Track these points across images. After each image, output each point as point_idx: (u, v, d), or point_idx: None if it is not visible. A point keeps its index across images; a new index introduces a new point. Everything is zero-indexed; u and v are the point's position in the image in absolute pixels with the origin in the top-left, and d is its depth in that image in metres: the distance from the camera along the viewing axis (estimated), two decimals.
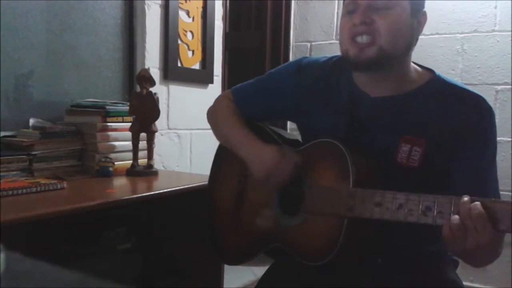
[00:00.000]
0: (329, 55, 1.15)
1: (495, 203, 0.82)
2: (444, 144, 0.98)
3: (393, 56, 0.97)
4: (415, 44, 1.03)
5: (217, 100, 1.28)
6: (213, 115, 1.27)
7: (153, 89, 1.61)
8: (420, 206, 0.86)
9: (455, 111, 0.98)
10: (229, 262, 1.32)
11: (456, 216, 0.82)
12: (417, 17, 1.00)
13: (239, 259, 1.19)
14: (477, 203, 0.81)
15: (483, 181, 0.99)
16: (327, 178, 1.00)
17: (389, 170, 0.99)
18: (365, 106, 1.04)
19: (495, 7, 2.39)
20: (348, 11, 0.99)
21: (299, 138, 1.21)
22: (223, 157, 1.23)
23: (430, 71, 1.06)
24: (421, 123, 0.99)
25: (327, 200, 0.97)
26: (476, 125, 0.98)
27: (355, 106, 1.05)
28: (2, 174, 1.29)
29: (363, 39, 0.96)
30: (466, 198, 0.82)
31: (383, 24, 0.94)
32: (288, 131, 2.80)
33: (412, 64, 1.05)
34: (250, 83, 1.24)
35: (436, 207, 0.85)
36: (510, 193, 2.28)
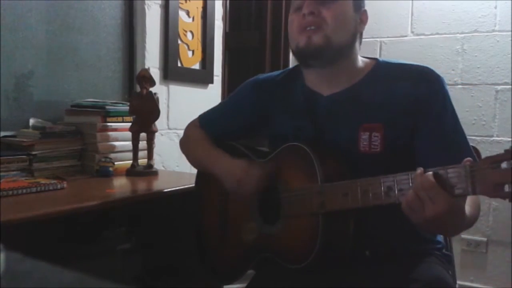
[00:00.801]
0: (280, 70, 1.25)
1: (447, 168, 0.82)
2: (401, 123, 1.01)
3: (339, 45, 1.03)
4: (360, 41, 1.09)
5: (186, 130, 1.38)
6: (185, 144, 1.37)
7: (153, 89, 1.61)
8: (382, 188, 0.88)
9: (404, 88, 1.02)
10: (225, 282, 1.34)
11: (411, 190, 0.84)
12: (359, 14, 1.08)
13: (233, 277, 1.21)
14: (429, 173, 0.83)
15: (452, 149, 1.00)
16: (298, 180, 1.04)
17: (355, 161, 1.02)
18: (320, 106, 1.09)
19: (495, 7, 2.39)
20: (296, 8, 1.06)
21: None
22: (202, 182, 1.31)
23: (375, 59, 1.12)
24: (375, 109, 1.03)
25: (300, 201, 1.01)
26: (426, 95, 1.01)
27: (312, 107, 1.10)
28: (2, 174, 1.29)
29: (311, 28, 1.03)
30: (419, 171, 0.84)
31: (329, 14, 1.02)
32: None
33: (359, 57, 1.11)
34: (215, 108, 1.35)
35: (396, 185, 0.87)
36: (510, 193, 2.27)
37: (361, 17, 1.08)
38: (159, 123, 1.67)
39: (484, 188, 0.78)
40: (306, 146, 1.01)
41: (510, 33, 2.36)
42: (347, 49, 1.06)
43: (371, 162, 1.02)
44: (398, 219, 0.90)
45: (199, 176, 1.33)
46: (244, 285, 1.15)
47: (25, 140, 1.41)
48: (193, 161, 1.33)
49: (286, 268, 1.03)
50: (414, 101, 1.01)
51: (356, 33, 1.07)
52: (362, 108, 1.05)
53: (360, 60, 1.10)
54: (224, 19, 2.41)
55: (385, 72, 1.07)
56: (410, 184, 0.85)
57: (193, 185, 1.45)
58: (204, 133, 1.30)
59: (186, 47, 2.13)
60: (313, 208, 0.97)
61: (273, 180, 1.09)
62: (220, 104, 1.36)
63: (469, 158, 0.82)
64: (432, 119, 1.01)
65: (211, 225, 1.24)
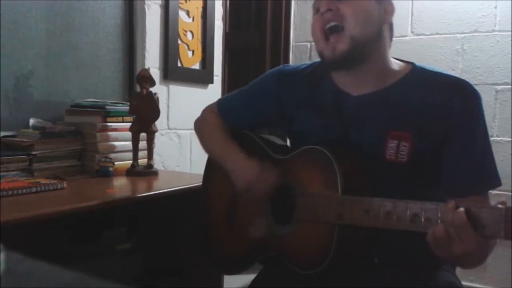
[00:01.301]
0: (307, 62, 1.18)
1: (481, 208, 0.79)
2: (431, 134, 0.97)
3: (365, 43, 0.97)
4: (388, 36, 1.03)
5: (203, 113, 1.31)
6: (200, 128, 1.30)
7: (153, 89, 1.61)
8: (408, 213, 0.85)
9: (438, 99, 0.97)
10: (227, 272, 1.31)
11: (440, 225, 0.81)
12: (384, 4, 1.01)
13: (236, 269, 1.19)
14: (461, 210, 0.79)
15: (479, 174, 0.97)
16: (316, 185, 1.00)
17: (379, 168, 0.99)
18: (349, 106, 1.04)
19: (495, 7, 2.39)
20: (316, 10, 1.02)
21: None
22: (214, 167, 1.24)
23: (411, 63, 1.06)
24: (405, 116, 0.99)
25: (317, 207, 0.97)
26: (461, 111, 0.96)
27: (339, 106, 1.05)
28: (2, 174, 1.29)
29: (331, 25, 0.98)
30: (450, 205, 0.81)
31: (348, 10, 0.96)
32: None
33: (392, 59, 1.05)
34: (234, 94, 1.27)
35: (423, 213, 0.83)
36: (510, 193, 2.28)
37: (386, 7, 1.01)
38: (159, 123, 1.67)
39: None
40: (329, 152, 0.97)
41: (510, 33, 2.36)
42: (374, 44, 0.99)
43: (395, 170, 0.99)
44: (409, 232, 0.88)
45: (210, 165, 1.27)
46: (248, 281, 1.15)
47: (25, 140, 1.41)
48: (205, 147, 1.27)
49: (293, 271, 1.01)
50: (447, 115, 0.96)
51: (381, 25, 1.00)
52: (393, 114, 1.00)
53: (394, 62, 1.05)
54: (224, 19, 2.41)
55: (420, 79, 1.01)
56: (439, 215, 0.82)
57: (193, 185, 1.46)
58: (221, 120, 1.24)
59: (186, 47, 2.13)
60: (330, 218, 0.94)
61: (289, 180, 1.06)
62: (240, 91, 1.26)
63: (503, 200, 0.78)
64: (462, 137, 0.96)
65: (219, 215, 1.20)
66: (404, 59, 1.09)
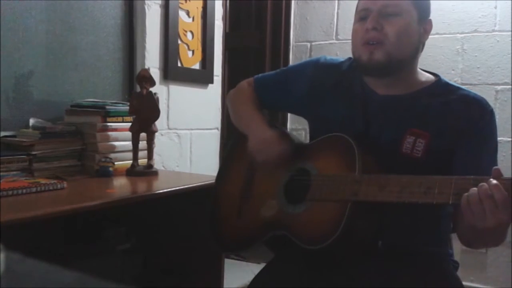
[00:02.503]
0: (345, 57, 1.23)
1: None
2: (446, 138, 1.04)
3: (401, 60, 1.04)
4: (421, 51, 1.10)
5: (240, 85, 1.36)
6: (232, 99, 1.35)
7: (153, 89, 1.61)
8: (421, 187, 0.89)
9: (458, 109, 1.04)
10: (227, 249, 1.33)
11: (476, 193, 0.84)
12: (423, 24, 1.07)
13: (237, 246, 1.21)
14: (500, 182, 0.83)
15: (485, 169, 1.00)
16: (334, 167, 1.05)
17: (394, 160, 1.04)
18: (374, 102, 1.11)
19: (495, 7, 2.39)
20: (361, 18, 1.08)
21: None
22: (235, 151, 1.30)
23: (436, 75, 1.13)
24: (425, 119, 1.06)
25: (332, 186, 1.01)
26: (477, 121, 1.03)
27: (365, 101, 1.12)
28: (2, 174, 1.29)
29: (373, 43, 1.04)
30: (492, 178, 0.84)
31: (391, 30, 1.03)
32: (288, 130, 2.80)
33: (419, 69, 1.12)
34: (272, 73, 1.34)
35: (437, 186, 0.88)
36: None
37: (425, 27, 1.08)
38: (159, 123, 1.67)
39: None
40: (351, 139, 1.02)
41: (510, 33, 2.36)
42: (408, 62, 1.07)
43: (409, 164, 1.03)
44: (420, 219, 0.90)
45: (233, 145, 1.33)
46: (248, 281, 1.15)
47: (25, 140, 1.41)
48: (233, 115, 1.33)
49: (299, 248, 1.02)
50: (464, 123, 1.03)
51: (419, 45, 1.08)
52: (414, 115, 1.07)
53: (421, 73, 1.12)
54: (224, 19, 2.41)
55: (443, 91, 1.08)
56: (453, 188, 0.86)
57: (193, 185, 1.46)
58: (254, 94, 1.30)
59: (186, 47, 2.13)
60: (345, 195, 0.98)
61: (308, 164, 1.10)
62: (279, 71, 1.34)
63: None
64: (475, 145, 1.04)
65: (232, 192, 1.23)
66: None
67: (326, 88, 1.18)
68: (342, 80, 1.17)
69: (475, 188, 0.84)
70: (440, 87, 1.09)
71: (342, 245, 0.96)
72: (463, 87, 1.11)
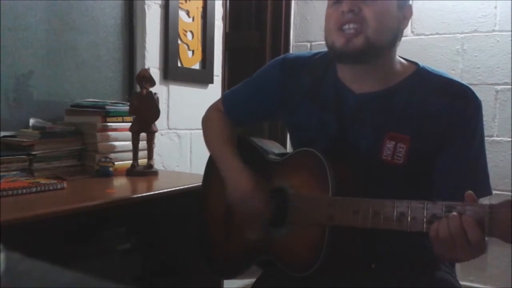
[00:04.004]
0: (313, 51, 1.15)
1: (465, 205, 0.79)
2: (429, 138, 0.97)
3: (379, 47, 0.96)
4: (400, 38, 1.02)
5: (207, 112, 1.29)
6: (203, 127, 1.29)
7: (153, 89, 1.61)
8: (395, 213, 0.84)
9: (440, 102, 0.97)
10: (222, 276, 1.31)
11: (445, 226, 0.79)
12: (403, 10, 1.00)
13: (231, 273, 1.18)
14: (469, 216, 0.77)
15: (470, 174, 0.98)
16: (308, 187, 1.00)
17: (374, 168, 0.99)
18: (349, 103, 1.04)
19: (495, 7, 2.39)
20: (335, 1, 0.98)
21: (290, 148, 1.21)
22: (213, 167, 1.24)
23: (415, 63, 1.05)
24: (405, 119, 0.99)
25: (308, 209, 0.97)
26: (461, 113, 0.96)
27: (340, 102, 1.05)
28: (2, 174, 1.29)
29: (350, 27, 0.95)
30: (454, 213, 0.79)
31: (370, 13, 0.93)
32: None
33: (397, 57, 1.04)
34: (239, 88, 1.25)
35: (409, 213, 0.83)
36: (510, 193, 2.28)
37: (405, 13, 1.00)
38: (159, 123, 1.67)
39: (501, 232, 0.75)
40: (322, 155, 0.97)
41: (510, 33, 2.36)
42: (387, 49, 0.99)
43: (391, 172, 0.99)
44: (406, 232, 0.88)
45: (209, 165, 1.27)
46: (248, 281, 1.15)
47: (25, 140, 1.41)
48: (207, 145, 1.26)
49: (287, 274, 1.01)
50: (447, 120, 0.96)
51: (398, 32, 0.99)
52: (393, 115, 1.00)
53: (399, 62, 1.04)
54: (224, 19, 2.41)
55: (424, 81, 1.00)
56: (425, 214, 0.82)
57: (193, 185, 1.46)
58: (225, 120, 1.22)
59: (186, 47, 2.13)
60: (321, 220, 0.94)
61: (283, 182, 1.05)
62: (244, 83, 1.23)
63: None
64: (459, 142, 0.97)
65: (216, 218, 1.20)
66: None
67: (297, 91, 1.10)
68: (313, 80, 1.09)
69: (445, 220, 0.79)
70: (419, 77, 1.01)
71: (330, 267, 0.94)
72: (444, 73, 1.03)
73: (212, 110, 1.28)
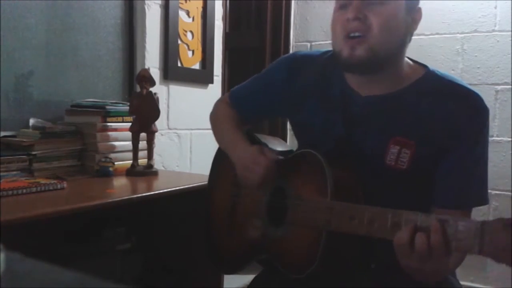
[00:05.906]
0: (322, 50, 1.14)
1: (457, 222, 0.76)
2: (434, 144, 0.96)
3: (384, 57, 0.94)
4: (409, 42, 0.99)
5: (215, 105, 1.31)
6: (212, 119, 1.30)
7: (153, 89, 1.61)
8: (389, 222, 0.83)
9: (448, 108, 0.95)
10: (226, 271, 1.31)
11: (406, 233, 0.79)
12: (412, 14, 0.97)
13: (235, 268, 1.18)
14: (438, 229, 0.76)
15: (465, 181, 0.96)
16: (308, 189, 0.99)
17: (377, 172, 0.98)
18: (356, 105, 1.02)
19: (495, 7, 2.39)
20: (341, 6, 0.97)
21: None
22: (219, 165, 1.25)
23: (424, 66, 1.03)
24: (411, 123, 0.97)
25: (307, 212, 0.96)
26: (468, 120, 0.94)
27: (347, 103, 1.03)
28: (2, 174, 1.29)
29: (355, 35, 0.93)
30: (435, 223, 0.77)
31: (376, 21, 0.91)
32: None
33: (406, 59, 1.02)
34: (246, 83, 1.25)
35: (403, 223, 0.82)
36: (510, 193, 2.28)
37: (414, 16, 0.97)
38: (159, 123, 1.67)
39: (491, 250, 0.72)
40: (322, 157, 0.95)
41: (510, 33, 2.36)
42: (394, 57, 0.97)
43: (393, 176, 0.98)
44: None
45: (217, 158, 1.27)
46: (248, 281, 1.15)
47: (25, 140, 1.41)
48: (216, 138, 1.27)
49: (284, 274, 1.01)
50: (453, 125, 0.94)
51: (406, 37, 0.97)
52: (399, 119, 0.98)
53: (407, 64, 1.01)
54: (224, 19, 2.41)
55: (432, 86, 0.98)
56: (418, 224, 0.80)
57: (193, 185, 1.46)
58: (232, 112, 1.23)
59: (186, 47, 2.13)
60: (318, 223, 0.93)
61: (284, 181, 1.05)
62: (252, 79, 1.24)
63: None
64: (460, 151, 0.95)
65: (221, 213, 1.20)
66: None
67: (304, 89, 1.09)
68: (320, 79, 1.07)
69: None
70: (428, 81, 0.99)
71: (326, 270, 0.93)
72: (454, 78, 1.00)
73: (219, 103, 1.30)
